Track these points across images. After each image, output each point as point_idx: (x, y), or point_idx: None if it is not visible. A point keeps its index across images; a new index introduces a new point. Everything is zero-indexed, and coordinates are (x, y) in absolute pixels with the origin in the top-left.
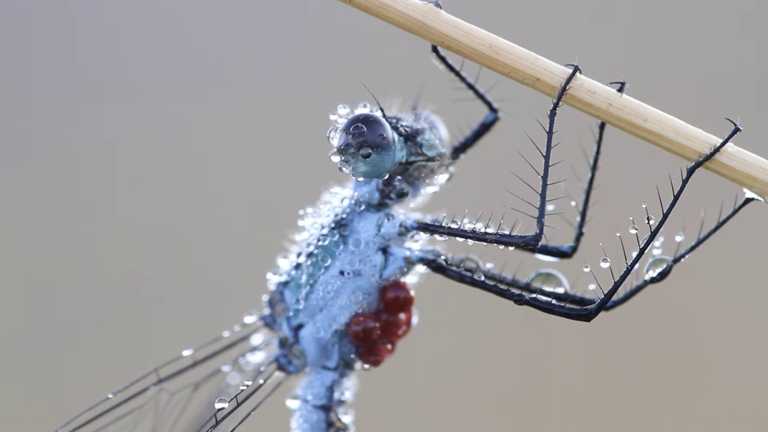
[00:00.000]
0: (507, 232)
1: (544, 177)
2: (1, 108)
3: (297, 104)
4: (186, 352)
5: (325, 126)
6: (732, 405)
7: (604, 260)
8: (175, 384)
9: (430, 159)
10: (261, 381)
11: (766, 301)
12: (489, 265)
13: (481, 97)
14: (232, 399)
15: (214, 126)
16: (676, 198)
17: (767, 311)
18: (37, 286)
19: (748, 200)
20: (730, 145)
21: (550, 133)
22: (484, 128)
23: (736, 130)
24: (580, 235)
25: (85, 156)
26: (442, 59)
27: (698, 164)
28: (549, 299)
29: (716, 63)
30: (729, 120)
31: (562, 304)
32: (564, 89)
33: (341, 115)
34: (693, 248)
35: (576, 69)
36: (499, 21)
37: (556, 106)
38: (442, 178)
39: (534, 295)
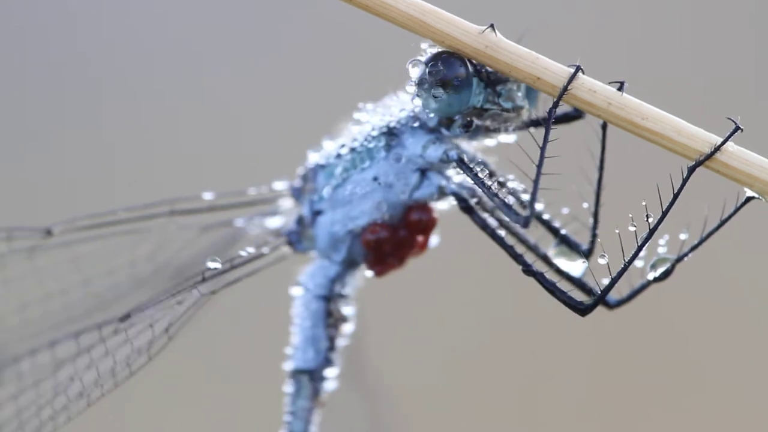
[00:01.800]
0: (510, 205)
1: (539, 166)
2: (1, 108)
3: (297, 104)
4: (206, 195)
5: (325, 126)
6: (734, 406)
7: (602, 256)
8: (186, 220)
9: (505, 110)
10: (264, 250)
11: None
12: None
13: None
14: (226, 261)
15: (214, 126)
16: (675, 196)
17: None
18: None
19: (749, 199)
20: (730, 144)
21: (547, 129)
22: (567, 119)
23: (737, 129)
24: (594, 236)
25: (85, 156)
26: (550, 108)
27: (699, 163)
28: (554, 281)
29: (717, 62)
30: (730, 119)
31: (564, 291)
32: (565, 88)
33: (425, 50)
34: (695, 247)
35: (578, 69)
36: (499, 21)
37: (556, 104)
38: (509, 137)
39: (543, 272)
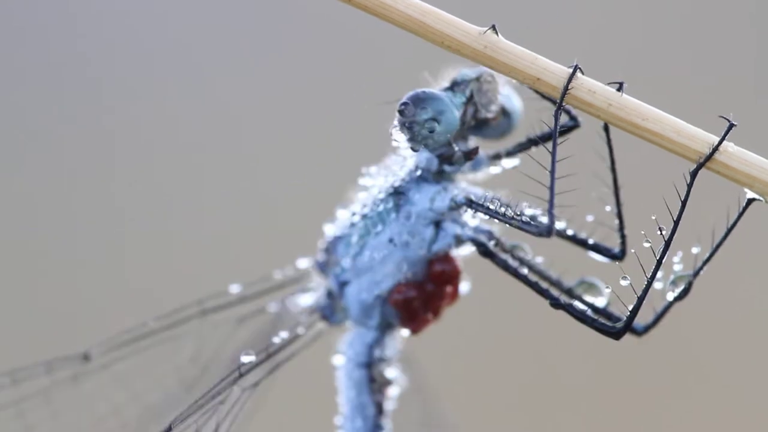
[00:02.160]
0: (528, 221)
1: (552, 172)
2: (1, 108)
3: (297, 104)
4: (233, 288)
5: (325, 127)
6: (738, 408)
7: (624, 278)
8: (218, 317)
9: (478, 80)
10: (300, 331)
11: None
12: (538, 260)
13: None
14: (261, 351)
15: (214, 126)
16: (683, 203)
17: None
18: (35, 286)
19: (750, 201)
20: (730, 145)
21: (555, 132)
22: (564, 131)
23: (731, 126)
24: (623, 237)
25: (85, 156)
26: (555, 111)
27: (700, 165)
28: (584, 309)
29: (717, 63)
30: (723, 117)
31: (595, 317)
32: (566, 89)
33: (401, 117)
34: (708, 260)
35: (576, 68)
36: (499, 21)
37: (559, 106)
38: (509, 162)
39: (571, 302)
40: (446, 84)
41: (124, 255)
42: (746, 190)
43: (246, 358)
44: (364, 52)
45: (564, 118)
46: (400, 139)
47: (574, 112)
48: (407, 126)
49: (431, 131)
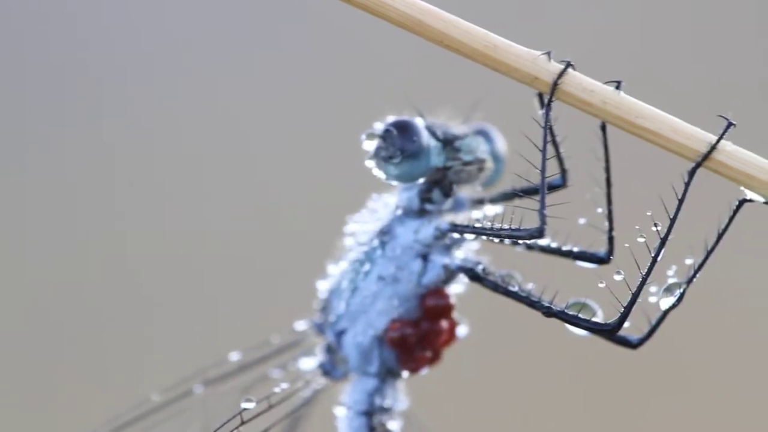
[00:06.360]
0: (518, 227)
1: (542, 171)
2: (1, 108)
3: (297, 104)
4: (233, 356)
5: (326, 127)
6: (727, 410)
7: (618, 273)
8: (222, 387)
9: (468, 163)
10: (299, 384)
11: (761, 302)
12: (530, 285)
13: (559, 160)
14: (262, 400)
15: (214, 126)
16: (680, 201)
17: (762, 312)
18: (36, 288)
19: (742, 203)
20: (728, 144)
21: (545, 129)
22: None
23: (729, 125)
24: (611, 238)
25: (85, 156)
26: (545, 105)
27: (698, 164)
28: (576, 314)
29: (717, 63)
30: (722, 117)
31: (588, 318)
32: (555, 85)
33: (376, 128)
34: (701, 266)
35: (568, 65)
36: (498, 21)
37: (549, 101)
38: (492, 209)
39: (562, 309)
40: (448, 132)
41: (125, 254)
42: (743, 188)
43: (246, 404)
44: (365, 52)
45: (554, 179)
46: (368, 148)
47: (566, 166)
48: (379, 150)
49: (397, 166)
